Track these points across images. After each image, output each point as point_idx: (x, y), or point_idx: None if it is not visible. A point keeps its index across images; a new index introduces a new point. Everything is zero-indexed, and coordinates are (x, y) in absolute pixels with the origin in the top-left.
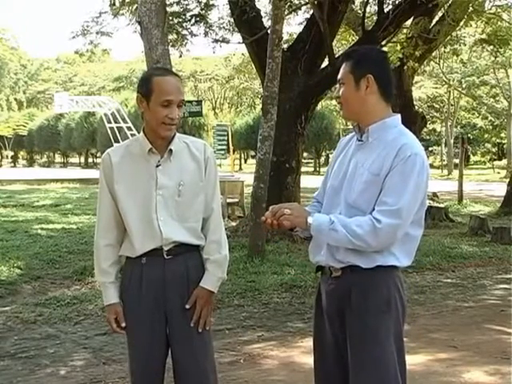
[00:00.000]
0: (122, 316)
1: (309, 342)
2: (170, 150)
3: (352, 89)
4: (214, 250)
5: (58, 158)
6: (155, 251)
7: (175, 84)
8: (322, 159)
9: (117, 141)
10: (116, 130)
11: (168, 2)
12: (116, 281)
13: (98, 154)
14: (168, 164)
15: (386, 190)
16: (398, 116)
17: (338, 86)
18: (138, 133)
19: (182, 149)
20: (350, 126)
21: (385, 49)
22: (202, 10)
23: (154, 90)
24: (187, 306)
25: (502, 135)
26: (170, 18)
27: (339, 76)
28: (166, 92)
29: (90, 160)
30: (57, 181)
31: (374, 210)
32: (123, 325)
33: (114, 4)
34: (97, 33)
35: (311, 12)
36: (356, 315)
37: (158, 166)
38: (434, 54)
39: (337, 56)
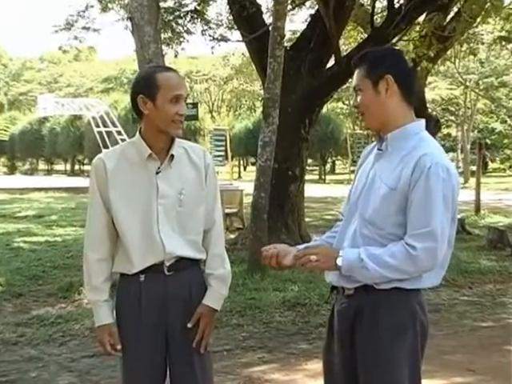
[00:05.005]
0: (117, 337)
1: (313, 365)
2: (172, 156)
3: (371, 94)
4: (218, 264)
5: (42, 165)
6: (155, 267)
7: (180, 79)
8: (328, 166)
9: (106, 146)
10: (105, 134)
11: None
12: (109, 299)
13: (86, 161)
14: (168, 171)
15: (412, 209)
16: (422, 122)
17: (354, 94)
18: (129, 137)
19: (181, 155)
20: (358, 131)
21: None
22: (198, 5)
23: (160, 86)
24: (189, 325)
25: None
26: (164, 14)
27: (354, 83)
28: (174, 87)
29: (77, 167)
30: (41, 190)
31: (389, 226)
32: (118, 347)
33: None
34: (82, 28)
35: (316, 8)
36: (366, 338)
37: (158, 173)
38: (449, 53)
39: (343, 55)
